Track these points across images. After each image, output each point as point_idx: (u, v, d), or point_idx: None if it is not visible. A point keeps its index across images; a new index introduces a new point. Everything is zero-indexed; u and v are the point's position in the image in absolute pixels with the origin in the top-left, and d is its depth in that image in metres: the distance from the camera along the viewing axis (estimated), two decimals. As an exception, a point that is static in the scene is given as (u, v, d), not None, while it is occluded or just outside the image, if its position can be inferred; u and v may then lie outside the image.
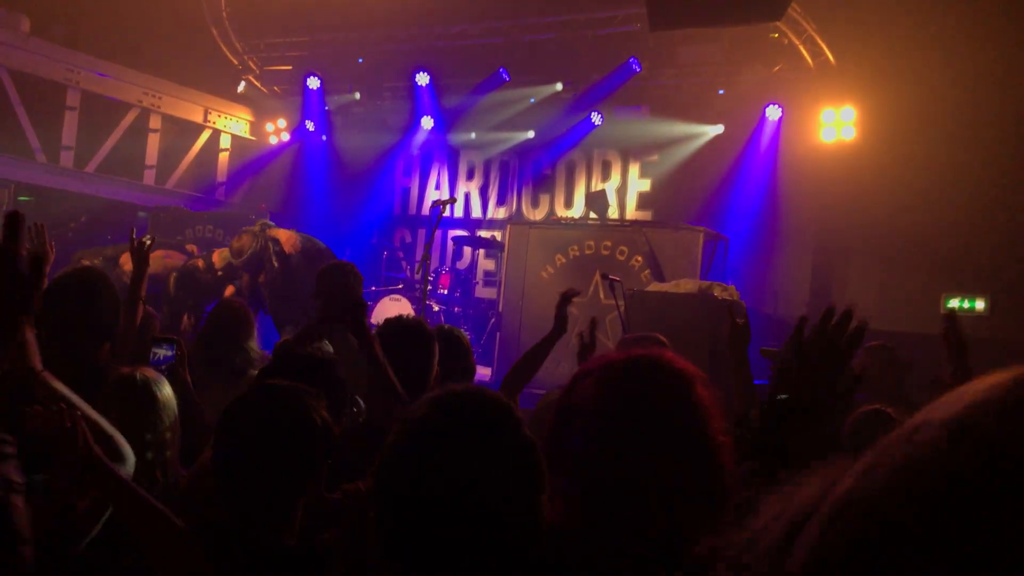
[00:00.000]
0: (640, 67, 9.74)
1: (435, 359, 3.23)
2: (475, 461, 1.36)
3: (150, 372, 2.57)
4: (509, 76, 10.43)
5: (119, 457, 2.13)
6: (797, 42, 8.89)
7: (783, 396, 1.57)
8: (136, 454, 2.28)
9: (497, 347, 9.30)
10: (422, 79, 10.83)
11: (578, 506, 1.48)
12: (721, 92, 9.68)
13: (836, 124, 8.87)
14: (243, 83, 11.76)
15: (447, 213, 8.14)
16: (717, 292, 6.91)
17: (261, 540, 1.91)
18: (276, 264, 7.36)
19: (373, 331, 2.97)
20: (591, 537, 1.45)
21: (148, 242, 3.60)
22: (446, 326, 3.79)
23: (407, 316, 3.49)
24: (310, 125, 11.66)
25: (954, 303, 8.09)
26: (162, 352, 3.11)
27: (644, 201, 10.34)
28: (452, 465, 1.35)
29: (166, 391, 2.54)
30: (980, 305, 8.11)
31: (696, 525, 1.43)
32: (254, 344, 4.44)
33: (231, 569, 1.87)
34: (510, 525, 1.37)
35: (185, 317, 7.17)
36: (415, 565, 1.37)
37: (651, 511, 1.43)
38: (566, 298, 3.82)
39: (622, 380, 1.52)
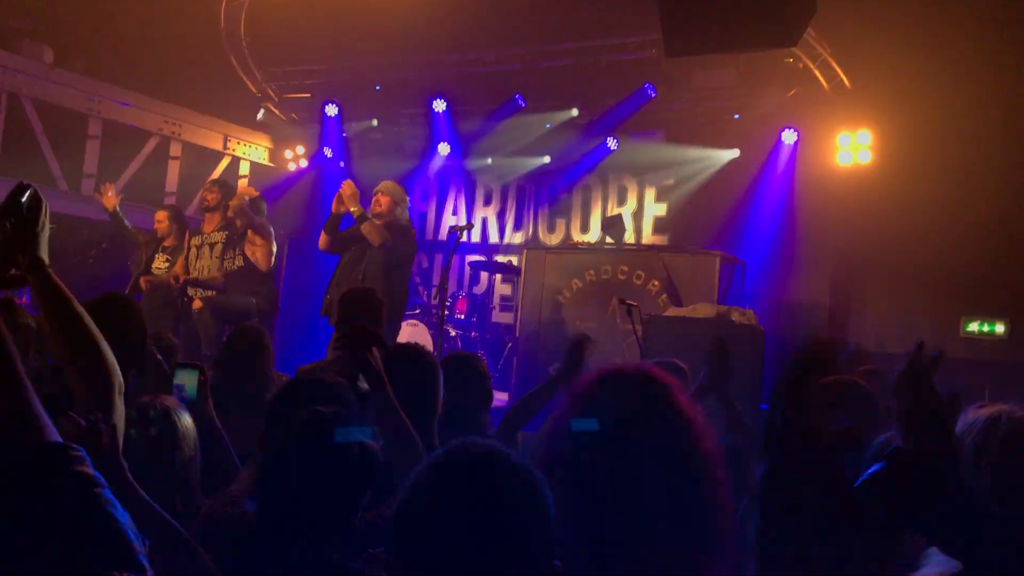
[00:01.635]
0: (655, 92, 9.76)
1: (439, 393, 3.10)
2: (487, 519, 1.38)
3: (170, 401, 2.59)
4: (525, 102, 10.48)
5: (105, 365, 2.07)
6: (812, 66, 8.90)
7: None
8: (157, 482, 2.29)
9: (514, 372, 9.30)
10: (439, 105, 10.90)
11: (576, 525, 1.49)
12: (736, 116, 9.71)
13: (852, 148, 8.86)
14: (262, 110, 11.86)
15: (464, 238, 8.17)
16: (735, 317, 6.89)
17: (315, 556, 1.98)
18: None
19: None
20: (593, 553, 1.47)
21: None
22: (465, 352, 3.75)
23: (407, 344, 3.36)
24: (328, 151, 11.74)
25: (973, 327, 8.03)
26: (185, 379, 3.14)
27: (660, 225, 10.35)
28: (463, 522, 1.36)
29: (185, 420, 2.55)
30: (1000, 329, 8.04)
31: (692, 534, 1.47)
32: (271, 369, 4.47)
33: None
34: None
35: None
36: None
37: (647, 522, 1.44)
38: (580, 344, 3.46)
39: (599, 398, 1.54)
